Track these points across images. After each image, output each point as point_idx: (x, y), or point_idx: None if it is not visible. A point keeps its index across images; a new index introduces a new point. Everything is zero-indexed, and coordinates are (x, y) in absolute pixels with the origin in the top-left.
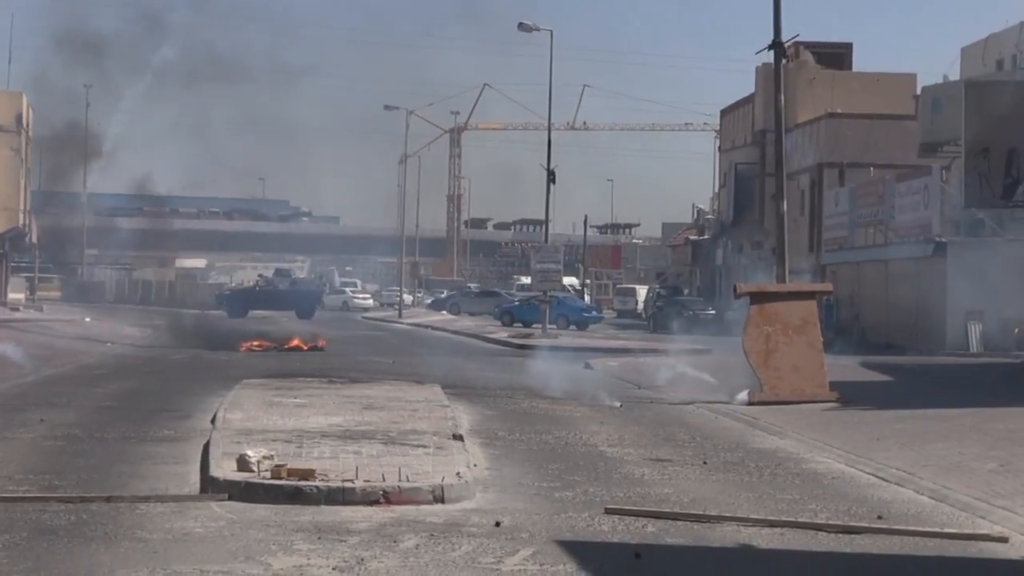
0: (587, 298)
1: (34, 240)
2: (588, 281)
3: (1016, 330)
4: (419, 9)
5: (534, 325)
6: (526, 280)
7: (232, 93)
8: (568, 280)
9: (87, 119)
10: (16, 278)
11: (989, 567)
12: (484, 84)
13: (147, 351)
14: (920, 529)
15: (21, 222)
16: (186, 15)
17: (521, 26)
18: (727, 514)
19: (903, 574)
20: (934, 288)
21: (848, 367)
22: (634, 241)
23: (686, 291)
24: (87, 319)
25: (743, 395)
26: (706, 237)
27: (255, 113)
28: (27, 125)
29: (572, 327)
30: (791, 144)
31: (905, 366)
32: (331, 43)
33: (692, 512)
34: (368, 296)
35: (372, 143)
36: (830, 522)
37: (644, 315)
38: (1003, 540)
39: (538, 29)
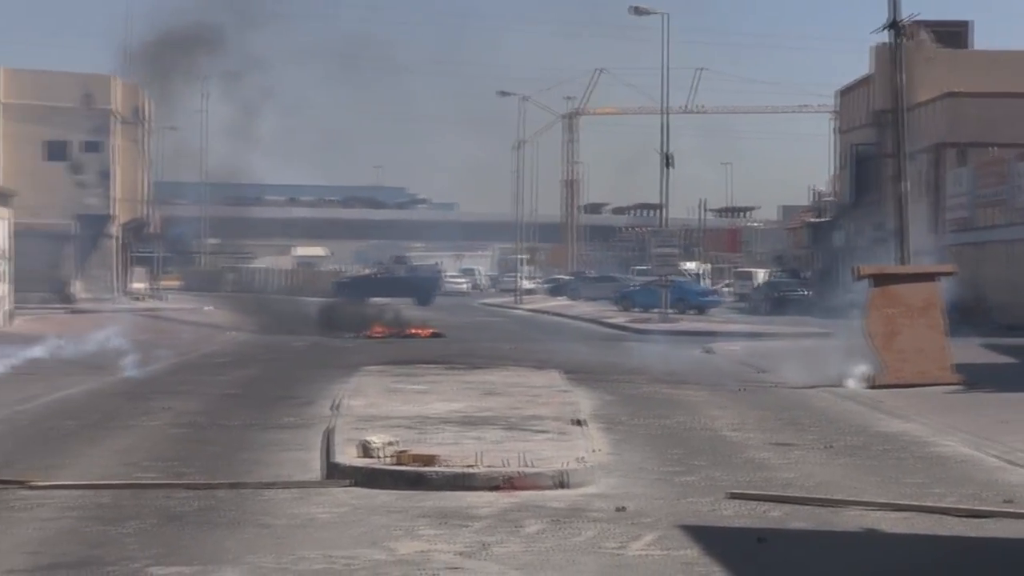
0: (705, 282)
1: (155, 230)
2: (707, 265)
3: None
4: None
5: (653, 310)
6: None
7: (348, 81)
8: (688, 265)
9: (205, 113)
10: (138, 267)
11: None
12: (598, 69)
13: (267, 339)
14: None
15: (142, 212)
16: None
17: (634, 10)
18: (852, 498)
19: None
20: None
21: (971, 349)
22: (752, 224)
23: (805, 274)
24: (207, 308)
25: (864, 378)
26: (825, 219)
27: (371, 102)
28: (147, 117)
29: (691, 311)
30: (910, 124)
31: None
32: (444, 29)
33: (816, 496)
34: (463, 281)
35: (487, 130)
36: (957, 506)
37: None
38: None
39: (652, 13)
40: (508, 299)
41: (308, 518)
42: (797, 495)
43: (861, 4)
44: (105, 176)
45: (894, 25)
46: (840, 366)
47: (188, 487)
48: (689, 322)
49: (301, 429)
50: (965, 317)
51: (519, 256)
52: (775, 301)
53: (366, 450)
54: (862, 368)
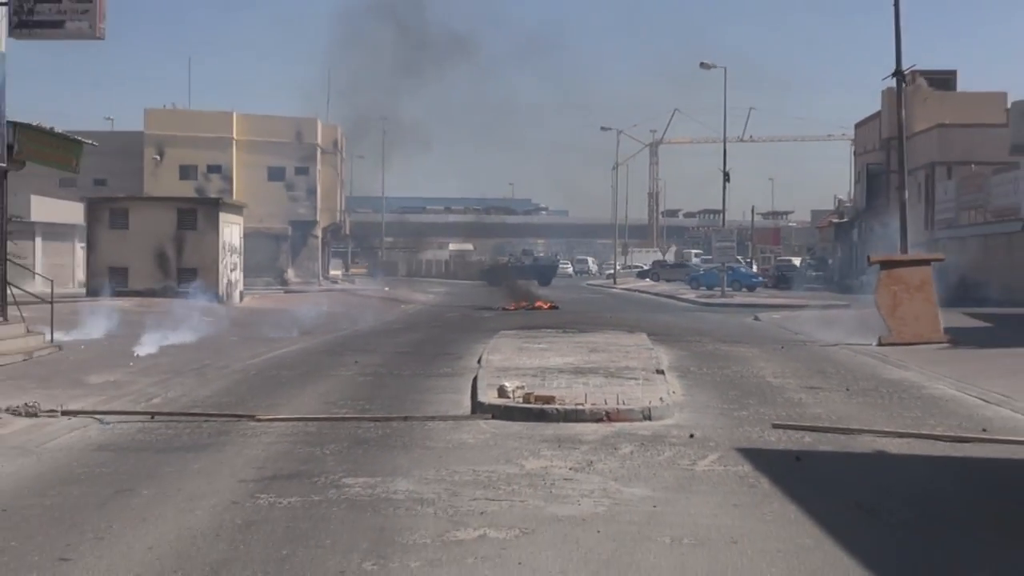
0: (754, 267)
1: (347, 232)
2: (755, 256)
3: None
4: (628, 51)
5: (715, 288)
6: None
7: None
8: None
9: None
10: (335, 259)
11: None
12: (675, 109)
13: (429, 311)
14: (1017, 439)
15: (338, 219)
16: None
17: (702, 65)
18: (865, 428)
19: (1006, 473)
20: (1022, 255)
21: (956, 317)
22: (790, 224)
23: (830, 261)
24: (386, 288)
25: (875, 338)
26: (845, 220)
27: (508, 136)
28: (341, 148)
29: (744, 289)
30: (909, 148)
31: (1001, 316)
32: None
33: (839, 426)
34: (568, 263)
35: (592, 155)
36: (945, 434)
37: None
38: None
39: (715, 67)
40: (607, 281)
41: (459, 442)
42: (824, 425)
43: (872, 59)
44: (311, 192)
45: (898, 74)
46: (856, 329)
47: (371, 419)
48: (742, 298)
49: (455, 377)
50: (949, 292)
51: (616, 249)
52: (779, 278)
53: (502, 392)
54: (873, 330)
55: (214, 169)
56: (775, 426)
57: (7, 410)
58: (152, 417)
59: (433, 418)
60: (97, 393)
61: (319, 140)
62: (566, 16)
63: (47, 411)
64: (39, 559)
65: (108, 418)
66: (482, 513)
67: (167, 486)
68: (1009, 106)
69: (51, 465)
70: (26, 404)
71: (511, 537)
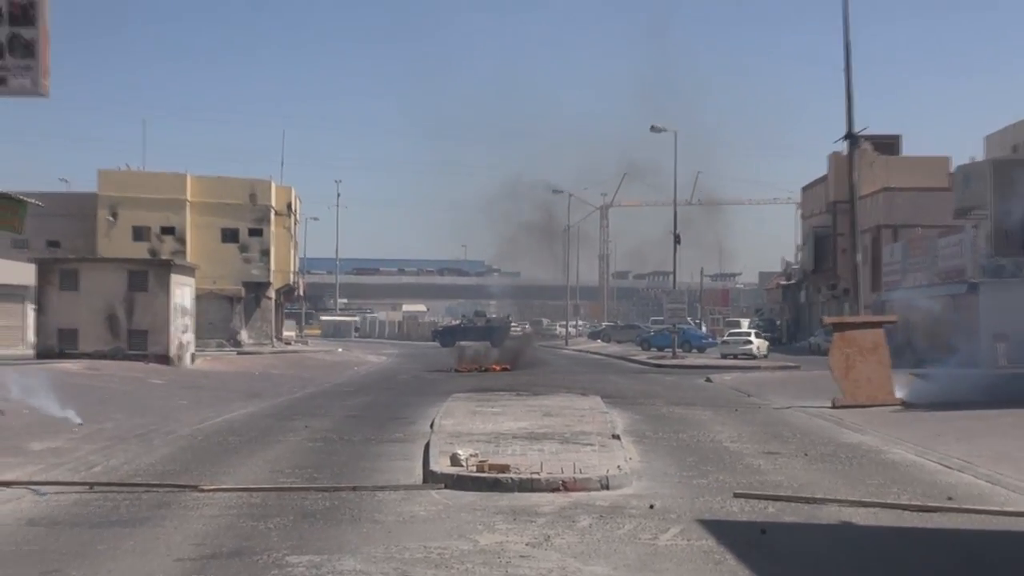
0: (704, 329)
1: (300, 293)
2: (704, 317)
3: None
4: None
5: (666, 349)
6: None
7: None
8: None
9: (338, 207)
10: (289, 320)
11: None
12: (624, 172)
13: (381, 373)
14: (984, 508)
15: (292, 280)
16: None
17: (653, 128)
18: (829, 496)
19: (975, 545)
20: (969, 317)
21: (904, 377)
22: (738, 286)
23: (778, 322)
24: (339, 349)
25: (829, 401)
26: (792, 282)
27: (466, 204)
28: (295, 210)
29: (694, 350)
30: (859, 211)
31: (949, 377)
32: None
33: (802, 495)
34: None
35: (539, 215)
36: (911, 503)
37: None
38: None
39: (665, 130)
40: (559, 342)
41: (410, 515)
42: (787, 494)
43: (814, 126)
44: (265, 254)
45: (850, 136)
46: (808, 391)
47: (319, 490)
48: (693, 359)
49: (406, 443)
50: (897, 355)
51: (567, 311)
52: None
53: (455, 460)
54: (825, 393)
55: (168, 230)
56: (737, 495)
57: None
58: (91, 488)
59: (383, 488)
60: (36, 461)
61: (273, 202)
62: (519, 80)
63: None
64: None
65: (44, 488)
66: None
67: (98, 567)
68: (953, 170)
69: None
70: None
71: None
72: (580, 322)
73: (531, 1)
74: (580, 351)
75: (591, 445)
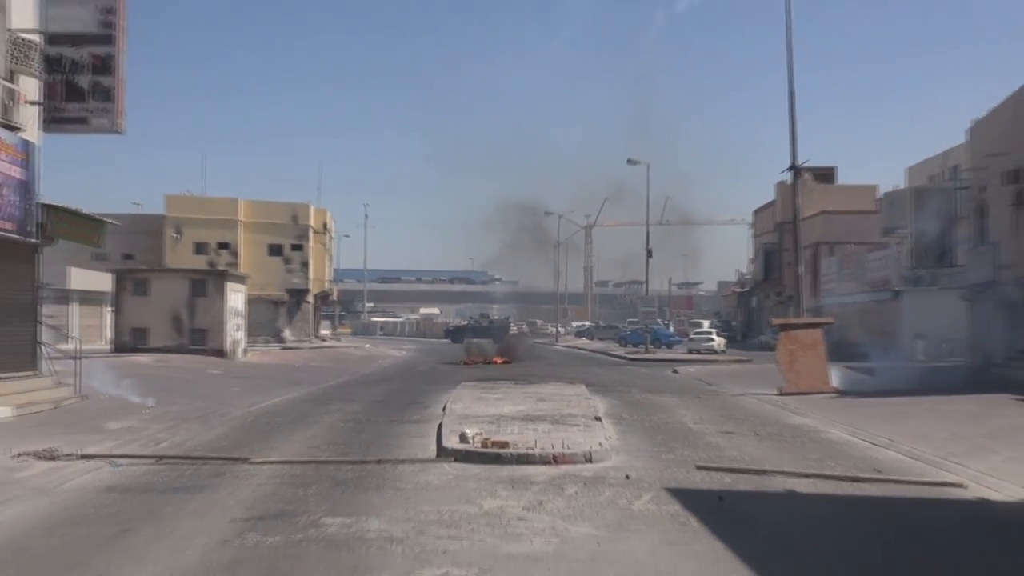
0: (671, 328)
1: (335, 298)
2: (671, 319)
3: (944, 345)
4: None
5: (639, 345)
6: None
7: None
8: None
9: (366, 226)
10: (324, 321)
11: (952, 504)
12: (605, 198)
13: (402, 365)
14: (905, 478)
15: (327, 287)
16: None
17: (629, 161)
18: (776, 469)
19: (898, 509)
20: (893, 319)
21: (838, 370)
22: (700, 292)
23: (733, 323)
24: (367, 345)
25: (777, 389)
26: (746, 289)
27: (472, 223)
28: (329, 229)
29: (663, 347)
30: (801, 230)
31: (875, 369)
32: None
33: (753, 468)
34: (516, 326)
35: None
36: (845, 474)
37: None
38: (961, 486)
39: (639, 163)
40: (551, 339)
41: (426, 483)
42: (741, 467)
43: (764, 158)
44: (304, 266)
45: (794, 168)
46: (758, 381)
47: (350, 463)
48: (662, 354)
49: (422, 424)
50: (832, 350)
51: (556, 314)
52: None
53: (463, 438)
54: (772, 382)
55: (223, 245)
56: (699, 468)
57: (31, 454)
58: (158, 460)
59: (403, 461)
60: (113, 438)
61: (311, 222)
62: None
63: (66, 455)
64: None
65: (119, 460)
66: (445, 552)
67: (165, 526)
68: (879, 196)
69: (63, 506)
70: (47, 448)
71: None
72: (575, 323)
73: (533, 56)
74: (568, 347)
75: (577, 426)
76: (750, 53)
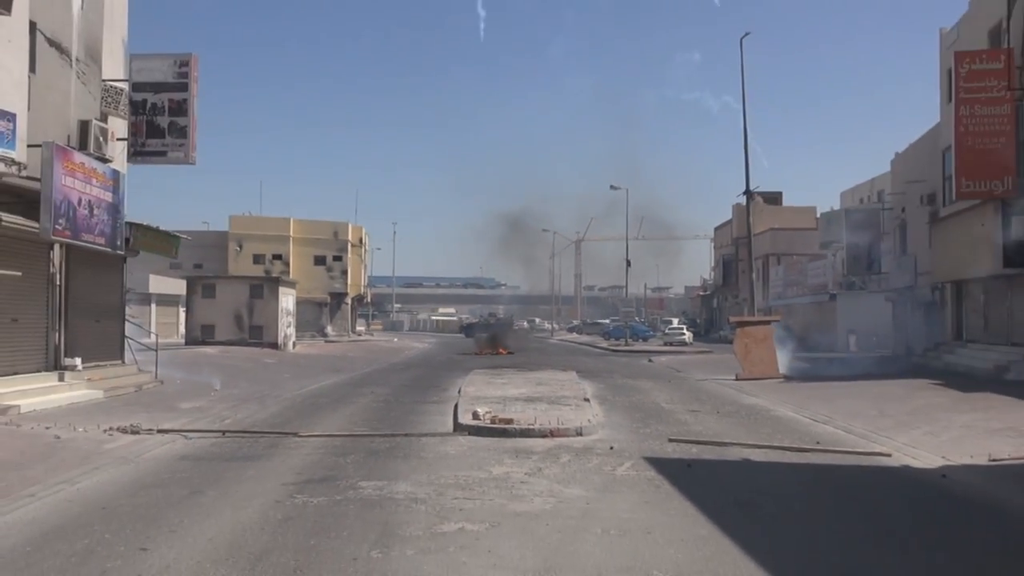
0: (646, 325)
1: (368, 300)
2: (647, 317)
3: (873, 338)
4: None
5: (620, 339)
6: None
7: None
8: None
9: (394, 241)
10: (360, 319)
11: (880, 471)
12: (592, 217)
13: (424, 356)
14: (842, 449)
15: (362, 291)
16: None
17: (611, 187)
18: (734, 441)
19: (835, 473)
20: (830, 317)
21: (786, 359)
22: (670, 295)
23: (698, 321)
24: (395, 339)
25: (734, 375)
26: (708, 293)
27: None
28: (364, 243)
29: (640, 340)
30: (753, 245)
31: (816, 359)
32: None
33: (715, 440)
34: (518, 324)
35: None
36: (792, 446)
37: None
38: (888, 455)
39: (620, 188)
40: (547, 334)
41: (444, 453)
42: (705, 440)
43: (724, 182)
44: (344, 273)
45: (747, 192)
46: (719, 369)
47: (381, 436)
48: (639, 346)
49: (442, 403)
50: (780, 343)
51: (552, 313)
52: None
53: (475, 415)
54: (730, 369)
55: (277, 257)
56: (671, 440)
57: (117, 429)
58: (223, 434)
59: (425, 435)
60: (185, 416)
61: (350, 237)
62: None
63: (147, 429)
64: (124, 549)
65: (191, 435)
66: (460, 510)
67: (228, 488)
68: (818, 216)
69: (144, 471)
70: (131, 424)
71: (482, 529)
72: (575, 320)
73: (535, 100)
74: (561, 341)
75: (569, 405)
76: (720, 105)
